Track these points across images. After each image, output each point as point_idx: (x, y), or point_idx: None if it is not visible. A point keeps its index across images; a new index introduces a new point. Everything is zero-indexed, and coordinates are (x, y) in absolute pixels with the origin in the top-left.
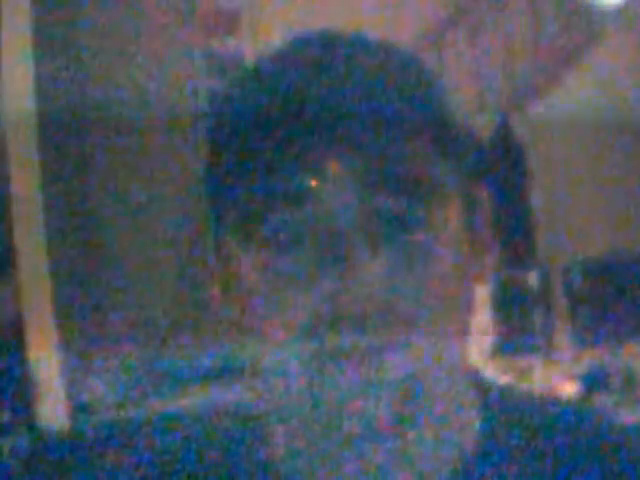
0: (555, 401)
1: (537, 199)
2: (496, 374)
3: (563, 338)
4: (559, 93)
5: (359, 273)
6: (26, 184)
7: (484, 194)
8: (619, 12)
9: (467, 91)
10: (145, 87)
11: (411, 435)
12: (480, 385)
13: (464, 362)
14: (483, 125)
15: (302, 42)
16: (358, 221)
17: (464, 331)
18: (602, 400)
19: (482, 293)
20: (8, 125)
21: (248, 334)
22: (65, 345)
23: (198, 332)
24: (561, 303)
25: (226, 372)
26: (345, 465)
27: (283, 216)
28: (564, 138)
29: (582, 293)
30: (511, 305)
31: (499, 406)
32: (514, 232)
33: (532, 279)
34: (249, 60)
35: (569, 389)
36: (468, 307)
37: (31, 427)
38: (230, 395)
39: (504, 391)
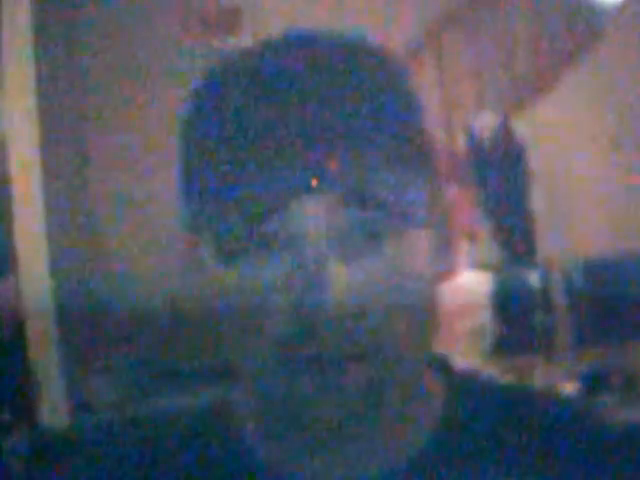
0: (554, 401)
1: (537, 199)
2: (496, 374)
3: (564, 338)
4: (559, 93)
5: (327, 283)
6: (26, 184)
7: (454, 194)
8: (619, 11)
9: (467, 91)
10: (145, 86)
11: (375, 431)
12: (446, 373)
13: (430, 355)
14: (483, 125)
15: (269, 45)
16: (329, 233)
17: (431, 330)
18: (603, 399)
19: (482, 293)
20: (8, 125)
21: (227, 341)
22: (65, 345)
23: (198, 332)
24: (562, 303)
25: (226, 372)
26: (314, 459)
27: (256, 228)
28: (564, 138)
29: (583, 293)
30: (512, 304)
31: (497, 405)
32: (515, 231)
33: (533, 279)
34: (212, 67)
35: (569, 389)
36: (435, 308)
37: (31, 426)
38: (219, 395)
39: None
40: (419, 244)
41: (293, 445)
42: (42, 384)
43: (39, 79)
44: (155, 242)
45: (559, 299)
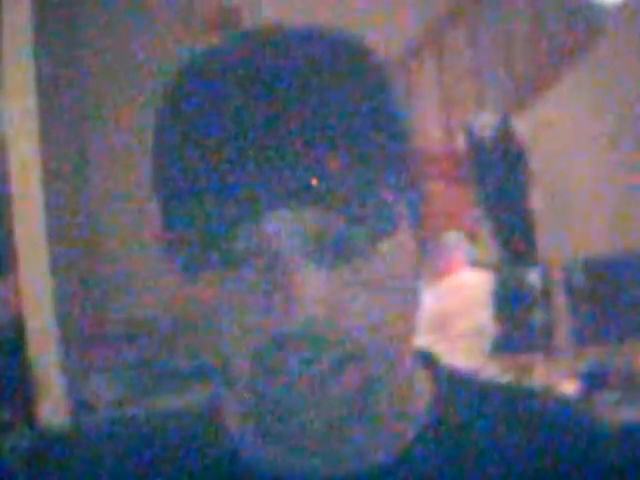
0: (553, 400)
1: (537, 198)
2: (497, 372)
3: (564, 336)
4: (559, 92)
5: (303, 293)
6: (26, 184)
7: (428, 192)
8: (619, 10)
9: (467, 90)
10: (145, 86)
11: (360, 429)
12: (431, 369)
13: (413, 355)
14: (483, 124)
15: (240, 41)
16: (304, 242)
17: (411, 329)
18: (602, 398)
19: (482, 292)
20: (8, 125)
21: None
22: (66, 344)
23: (198, 332)
24: (562, 301)
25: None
26: (312, 462)
27: (230, 238)
28: (564, 137)
29: (583, 291)
30: (512, 303)
31: (497, 404)
32: (515, 231)
33: (533, 277)
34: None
35: (569, 387)
36: (415, 308)
37: (31, 425)
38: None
39: (502, 389)
40: (396, 249)
41: (287, 446)
42: (42, 384)
43: (39, 79)
44: (155, 242)
45: (559, 298)
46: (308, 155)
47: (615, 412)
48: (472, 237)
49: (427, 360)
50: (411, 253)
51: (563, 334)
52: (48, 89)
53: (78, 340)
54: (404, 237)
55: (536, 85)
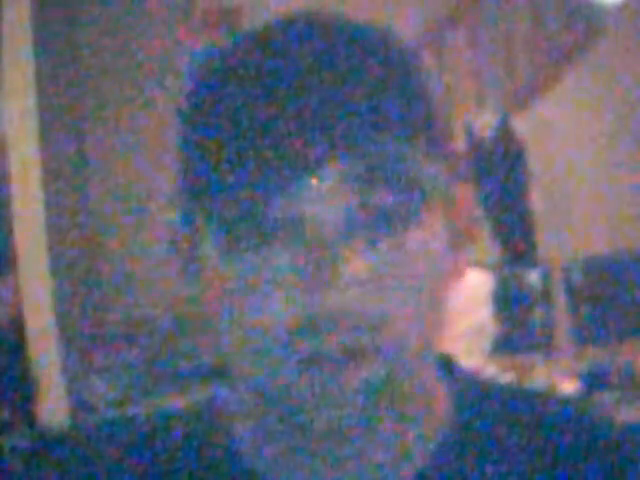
0: (554, 400)
1: (537, 198)
2: (496, 372)
3: (564, 336)
4: (559, 92)
5: (346, 275)
6: (26, 184)
7: (466, 191)
8: (619, 10)
9: (467, 90)
10: (145, 86)
11: (381, 432)
12: (452, 375)
13: (436, 355)
14: (483, 124)
15: (284, 27)
16: (347, 220)
17: (439, 327)
18: (603, 398)
19: (482, 292)
20: (8, 125)
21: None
22: (65, 344)
23: (198, 332)
24: (562, 301)
25: (226, 372)
26: (314, 463)
27: (267, 215)
28: (564, 137)
29: (583, 291)
30: (512, 303)
31: (497, 404)
32: (515, 231)
33: (533, 277)
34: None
35: (569, 387)
36: (445, 305)
37: (31, 425)
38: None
39: (502, 389)
40: (432, 236)
41: (289, 447)
42: (42, 384)
43: (39, 79)
44: (155, 242)
45: (559, 298)
46: (346, 129)
47: (615, 412)
48: (472, 236)
49: (444, 362)
50: (442, 238)
51: (563, 334)
52: (48, 89)
53: (78, 340)
54: (435, 221)
55: (536, 85)
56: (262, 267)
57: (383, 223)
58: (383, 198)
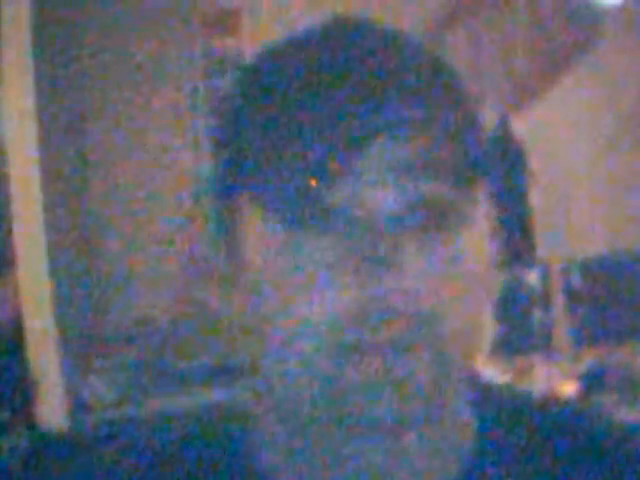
0: (553, 401)
1: (536, 198)
2: (495, 373)
3: (562, 337)
4: (559, 93)
5: (402, 267)
6: (25, 184)
7: (487, 189)
8: (619, 10)
9: None
10: (145, 86)
11: (410, 435)
12: (477, 383)
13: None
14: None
15: (336, 27)
16: (405, 212)
17: (482, 328)
18: (601, 399)
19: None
20: (7, 125)
21: (249, 331)
22: (65, 345)
23: (198, 332)
24: (561, 302)
25: (227, 372)
26: (343, 465)
27: (324, 201)
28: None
29: (582, 292)
30: (510, 304)
31: (497, 405)
32: (514, 231)
33: (532, 278)
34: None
35: (568, 388)
36: (486, 306)
37: (31, 426)
38: (229, 394)
39: (501, 390)
40: (480, 234)
41: (319, 451)
42: (41, 384)
43: (38, 79)
44: (155, 242)
45: (558, 299)
46: (410, 121)
47: (614, 413)
48: None
49: (475, 378)
50: (487, 237)
51: (562, 335)
52: (47, 89)
53: (77, 341)
54: (482, 219)
55: (536, 85)
56: (314, 253)
57: (439, 217)
58: (441, 192)
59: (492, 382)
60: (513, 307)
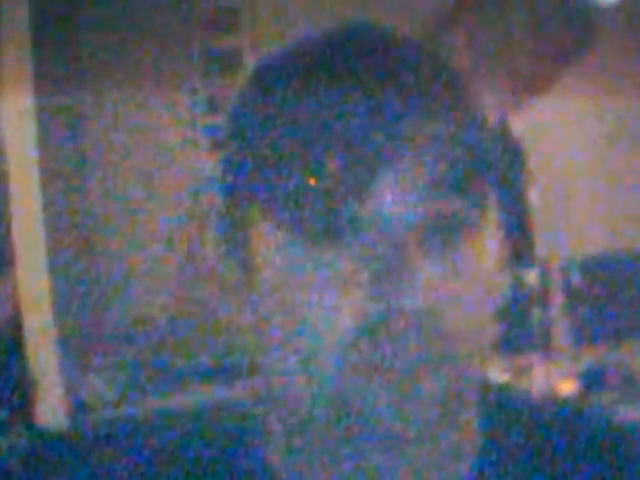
0: (552, 400)
1: (535, 198)
2: (494, 372)
3: (562, 336)
4: (558, 93)
5: (415, 280)
6: (24, 183)
7: (495, 193)
8: (619, 10)
9: None
10: (144, 86)
11: (412, 436)
12: (480, 384)
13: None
14: None
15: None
16: (421, 224)
17: (495, 340)
18: (600, 398)
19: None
20: (6, 124)
21: (250, 333)
22: (64, 344)
23: (198, 331)
24: (560, 301)
25: (226, 371)
26: (343, 465)
27: (341, 212)
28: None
29: (581, 291)
30: (509, 303)
31: (498, 405)
32: (513, 230)
33: (531, 277)
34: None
35: (568, 387)
36: (497, 314)
37: (29, 425)
38: (229, 393)
39: (503, 390)
40: (492, 244)
41: (320, 451)
42: (40, 382)
43: (38, 78)
44: (155, 242)
45: (557, 298)
46: (425, 135)
47: (614, 412)
48: None
49: (478, 379)
50: (498, 248)
51: (561, 334)
52: (46, 89)
53: (76, 340)
54: (494, 230)
55: (535, 85)
56: (330, 265)
57: (455, 230)
58: (457, 205)
59: (492, 381)
60: (512, 306)
